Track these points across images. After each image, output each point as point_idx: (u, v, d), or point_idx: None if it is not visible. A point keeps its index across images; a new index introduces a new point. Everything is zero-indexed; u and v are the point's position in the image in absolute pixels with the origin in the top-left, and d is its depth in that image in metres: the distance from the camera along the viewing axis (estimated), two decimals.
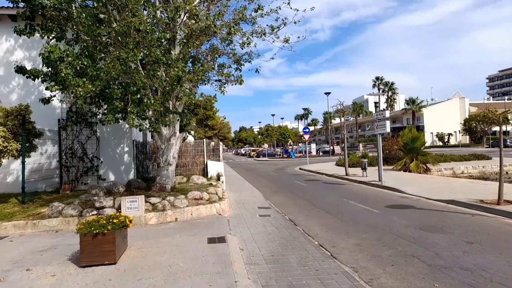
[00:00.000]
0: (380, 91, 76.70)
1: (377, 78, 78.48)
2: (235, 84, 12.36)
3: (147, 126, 10.38)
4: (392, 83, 78.31)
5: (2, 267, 5.90)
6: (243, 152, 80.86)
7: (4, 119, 9.67)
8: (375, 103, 18.06)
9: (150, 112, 10.29)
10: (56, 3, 8.85)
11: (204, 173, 16.03)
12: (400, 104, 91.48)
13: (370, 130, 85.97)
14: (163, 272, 5.32)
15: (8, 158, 10.20)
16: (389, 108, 77.58)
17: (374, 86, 79.10)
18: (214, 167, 15.92)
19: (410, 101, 70.11)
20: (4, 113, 9.74)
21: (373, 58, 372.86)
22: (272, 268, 5.70)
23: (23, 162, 10.44)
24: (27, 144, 10.41)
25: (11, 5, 9.79)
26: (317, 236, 7.77)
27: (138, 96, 9.77)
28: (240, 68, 12.50)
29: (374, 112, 18.16)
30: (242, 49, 11.73)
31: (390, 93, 78.41)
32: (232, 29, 11.05)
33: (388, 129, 16.00)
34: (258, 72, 12.94)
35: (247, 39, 11.54)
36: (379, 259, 6.13)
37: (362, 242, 7.15)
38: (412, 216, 9.40)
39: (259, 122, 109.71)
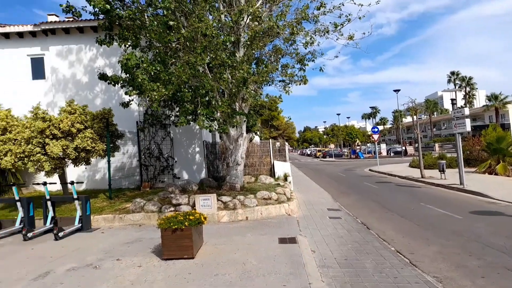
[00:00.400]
0: (457, 87, 70.72)
1: (453, 73, 72.50)
2: (299, 84, 12.29)
3: (216, 127, 10.75)
4: (470, 78, 71.74)
5: (96, 256, 6.53)
6: (308, 153, 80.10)
7: (91, 122, 10.68)
8: (452, 100, 16.67)
9: (218, 114, 10.64)
10: (131, 13, 9.57)
11: (271, 173, 16.17)
12: (480, 101, 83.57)
13: (446, 129, 79.76)
14: (238, 269, 5.46)
15: (96, 158, 11.26)
16: (467, 105, 71.25)
17: (449, 81, 73.21)
18: (281, 168, 15.98)
19: (492, 97, 63.50)
20: (91, 117, 10.76)
21: (445, 52, 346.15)
22: (347, 272, 5.54)
23: (108, 161, 11.45)
24: (111, 145, 11.40)
25: (92, 17, 10.74)
26: (393, 241, 7.40)
27: (207, 98, 10.18)
28: (304, 68, 12.40)
29: (451, 109, 16.77)
30: (306, 48, 11.65)
31: (468, 89, 71.92)
32: (294, 29, 11.02)
33: (468, 128, 14.70)
34: (322, 71, 12.73)
35: (310, 38, 11.41)
36: (465, 269, 5.64)
37: (444, 250, 6.65)
38: (501, 223, 8.51)
39: (324, 122, 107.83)
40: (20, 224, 9.13)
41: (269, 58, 12.65)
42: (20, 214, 9.23)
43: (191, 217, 6.34)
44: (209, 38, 9.34)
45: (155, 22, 9.38)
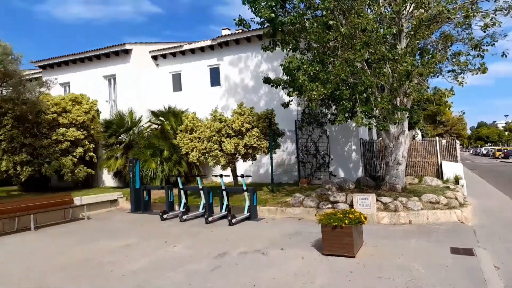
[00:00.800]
0: None
1: None
2: (476, 73, 10.61)
3: (375, 124, 10.33)
4: None
5: (263, 243, 7.23)
6: (484, 152, 68.44)
7: (257, 122, 11.79)
8: None
9: (377, 111, 10.19)
10: (292, 18, 10.06)
11: (438, 174, 14.54)
12: None
13: None
14: (404, 275, 5.16)
15: (260, 154, 12.39)
16: None
17: None
18: (450, 168, 14.20)
19: None
20: (256, 117, 11.88)
21: None
22: None
23: (271, 157, 12.42)
24: (273, 142, 12.33)
25: (258, 26, 11.71)
26: None
27: (365, 95, 9.87)
28: (482, 54, 10.65)
29: None
30: (484, 32, 9.97)
31: None
32: (469, 11, 9.56)
33: None
34: (506, 56, 10.63)
35: (491, 19, 9.70)
36: None
37: None
38: None
39: (505, 116, 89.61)
40: (202, 209, 10.86)
41: (436, 46, 11.39)
42: (203, 201, 10.97)
43: (350, 216, 6.32)
44: (368, 33, 9.06)
45: (314, 23, 9.67)
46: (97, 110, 17.04)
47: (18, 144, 14.64)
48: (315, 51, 10.73)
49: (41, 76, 17.76)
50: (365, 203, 9.27)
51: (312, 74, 9.67)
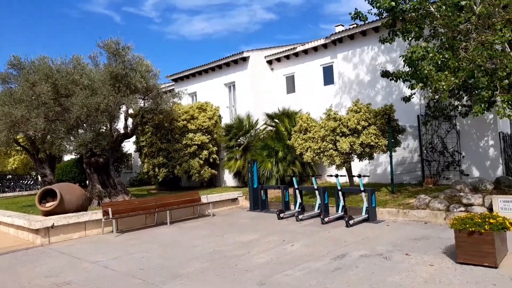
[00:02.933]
0: None
1: None
2: None
3: None
4: None
5: (385, 247, 6.83)
6: None
7: (374, 119, 11.20)
8: None
9: None
10: (416, 3, 9.25)
11: None
12: None
13: None
14: None
15: (378, 153, 11.74)
16: None
17: None
18: None
19: None
20: (373, 114, 11.28)
21: None
22: None
23: (390, 156, 11.65)
24: (392, 140, 11.54)
25: (376, 18, 11.13)
26: None
27: (507, 81, 8.45)
28: None
29: None
30: None
31: None
32: None
33: None
34: None
35: None
36: None
37: None
38: None
39: None
40: (317, 210, 10.82)
41: None
42: (318, 201, 10.92)
43: (491, 220, 5.50)
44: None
45: (442, 6, 8.75)
46: (219, 116, 18.52)
47: (156, 149, 16.91)
48: (443, 37, 9.70)
49: (173, 88, 20.20)
50: (508, 207, 7.97)
51: (439, 62, 8.77)
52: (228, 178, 18.56)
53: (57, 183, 13.85)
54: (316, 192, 10.94)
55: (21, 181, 24.85)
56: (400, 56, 10.30)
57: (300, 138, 12.12)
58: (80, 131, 12.56)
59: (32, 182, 24.97)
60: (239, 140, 17.42)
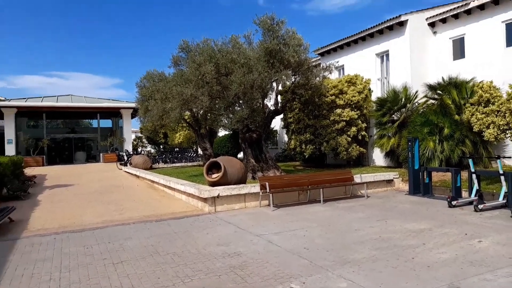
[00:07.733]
0: None
1: None
2: None
3: None
4: None
5: None
6: None
7: None
8: None
9: None
10: None
11: None
12: None
13: None
14: None
15: None
16: None
17: None
18: None
19: None
20: None
21: None
22: None
23: None
24: None
25: None
26: None
27: None
28: None
29: None
30: None
31: None
32: None
33: None
34: None
35: None
36: None
37: None
38: None
39: None
40: (503, 199, 8.86)
41: None
42: (504, 188, 8.93)
43: None
44: None
45: None
46: (369, 89, 17.14)
47: (303, 125, 16.77)
48: None
49: (320, 63, 19.61)
50: None
51: None
52: (378, 157, 17.23)
53: (215, 156, 15.09)
54: (502, 177, 8.95)
55: (185, 153, 28.53)
56: None
57: (480, 112, 10.06)
58: (237, 107, 13.24)
59: (194, 154, 28.39)
60: (393, 115, 15.84)
